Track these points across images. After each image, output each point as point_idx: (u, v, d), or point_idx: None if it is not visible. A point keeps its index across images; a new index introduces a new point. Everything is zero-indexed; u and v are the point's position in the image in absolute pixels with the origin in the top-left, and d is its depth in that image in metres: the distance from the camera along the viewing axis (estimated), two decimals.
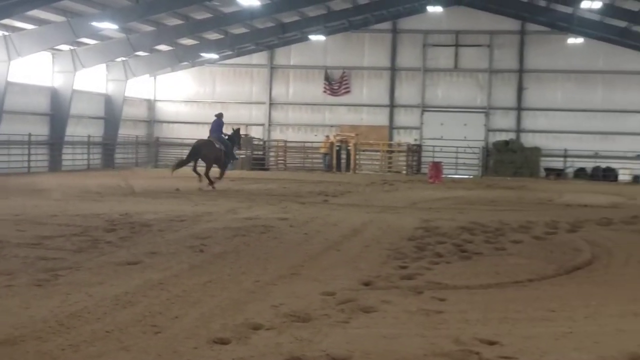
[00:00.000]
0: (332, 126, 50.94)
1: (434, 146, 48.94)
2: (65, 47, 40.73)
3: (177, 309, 8.83)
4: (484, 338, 7.91)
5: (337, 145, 48.62)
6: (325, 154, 49.08)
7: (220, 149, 29.48)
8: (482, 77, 50.13)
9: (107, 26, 37.14)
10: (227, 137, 30.48)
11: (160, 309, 8.78)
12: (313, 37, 49.09)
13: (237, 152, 35.43)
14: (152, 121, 53.74)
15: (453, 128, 49.77)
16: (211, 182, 28.61)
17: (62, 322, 8.01)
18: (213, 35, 46.88)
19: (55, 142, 41.81)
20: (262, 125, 52.41)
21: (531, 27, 49.44)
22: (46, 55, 40.75)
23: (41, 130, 41.05)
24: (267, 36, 48.51)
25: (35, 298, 9.17)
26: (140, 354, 7.06)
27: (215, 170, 29.85)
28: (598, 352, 7.47)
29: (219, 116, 30.83)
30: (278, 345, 7.46)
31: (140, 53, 46.31)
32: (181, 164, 29.83)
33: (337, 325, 8.36)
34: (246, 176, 39.19)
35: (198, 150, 29.26)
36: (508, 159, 47.92)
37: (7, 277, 10.42)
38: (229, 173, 33.07)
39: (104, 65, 45.82)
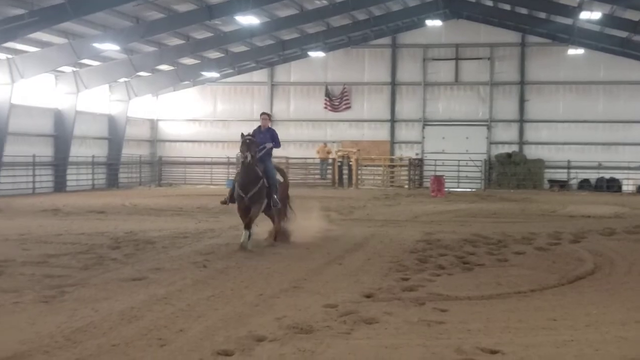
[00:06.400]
0: (333, 142, 51.00)
1: (435, 160, 49.02)
2: (67, 69, 40.93)
3: (181, 322, 8.94)
4: (485, 347, 8.00)
5: (339, 161, 48.73)
6: (323, 161, 49.19)
7: None
8: (483, 90, 50.23)
9: (109, 47, 37.33)
10: None
11: (165, 323, 8.90)
12: (313, 54, 49.28)
13: None
14: (154, 140, 53.88)
15: (455, 141, 49.84)
16: None
17: (69, 337, 8.12)
18: (214, 54, 47.08)
19: (60, 163, 41.94)
20: None
21: (531, 39, 49.59)
22: (49, 77, 40.92)
23: (45, 151, 41.16)
24: (267, 54, 48.71)
25: (41, 314, 9.30)
26: None
27: None
28: None
29: None
30: (281, 357, 7.56)
31: (142, 73, 46.45)
32: None
33: (339, 337, 8.46)
34: None
35: None
36: (511, 172, 47.97)
37: (13, 294, 10.55)
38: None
39: (106, 86, 45.98)
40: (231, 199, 16.83)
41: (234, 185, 16.80)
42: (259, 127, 17.53)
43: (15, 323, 8.83)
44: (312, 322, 9.06)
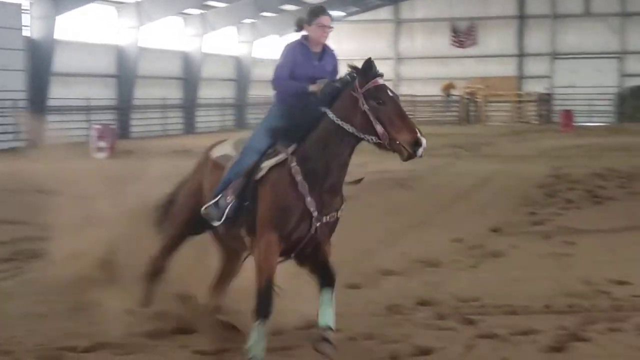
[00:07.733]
0: (460, 79, 50.24)
1: (565, 94, 47.82)
2: (195, 11, 41.60)
3: None
4: (613, 278, 7.96)
5: (466, 98, 48.14)
6: (448, 95, 48.70)
7: None
8: (614, 22, 48.50)
9: None
10: None
11: None
12: None
13: None
14: None
15: (585, 75, 48.40)
16: None
17: None
18: None
19: (189, 105, 42.88)
20: (390, 81, 52.25)
21: None
22: (177, 20, 41.71)
23: (175, 93, 42.12)
24: None
25: None
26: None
27: None
28: None
29: None
30: (408, 289, 7.68)
31: (268, 14, 46.80)
32: None
33: (465, 270, 8.54)
34: None
35: None
36: None
37: None
38: None
39: (234, 28, 46.51)
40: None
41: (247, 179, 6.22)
42: (300, 42, 6.98)
43: None
44: (438, 256, 9.15)
